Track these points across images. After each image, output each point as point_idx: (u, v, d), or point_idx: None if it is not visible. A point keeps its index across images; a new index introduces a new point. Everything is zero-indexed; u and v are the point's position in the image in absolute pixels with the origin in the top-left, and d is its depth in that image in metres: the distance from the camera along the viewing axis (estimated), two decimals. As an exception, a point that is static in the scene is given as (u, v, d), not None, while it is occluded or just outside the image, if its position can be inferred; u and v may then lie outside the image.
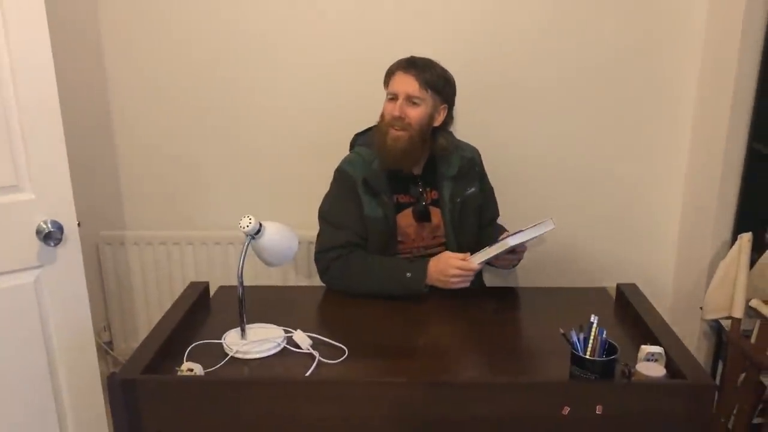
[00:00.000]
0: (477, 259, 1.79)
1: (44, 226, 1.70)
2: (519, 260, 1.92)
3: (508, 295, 1.97)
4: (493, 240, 1.82)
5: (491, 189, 2.10)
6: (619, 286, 1.87)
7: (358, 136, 2.06)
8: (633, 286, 1.86)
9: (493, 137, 2.28)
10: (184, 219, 2.49)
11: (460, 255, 1.81)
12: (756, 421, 2.03)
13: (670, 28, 2.23)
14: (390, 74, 1.91)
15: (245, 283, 1.59)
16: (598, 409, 1.36)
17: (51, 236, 1.70)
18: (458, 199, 1.95)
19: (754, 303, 1.96)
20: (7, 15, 1.58)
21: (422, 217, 1.94)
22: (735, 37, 2.04)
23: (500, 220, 2.14)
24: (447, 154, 1.94)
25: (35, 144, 1.67)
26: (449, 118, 1.95)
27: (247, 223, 1.54)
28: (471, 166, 2.00)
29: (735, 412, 2.03)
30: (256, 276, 2.44)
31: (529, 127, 2.35)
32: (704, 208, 2.24)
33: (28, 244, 1.70)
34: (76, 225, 1.78)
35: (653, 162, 2.37)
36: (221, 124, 2.39)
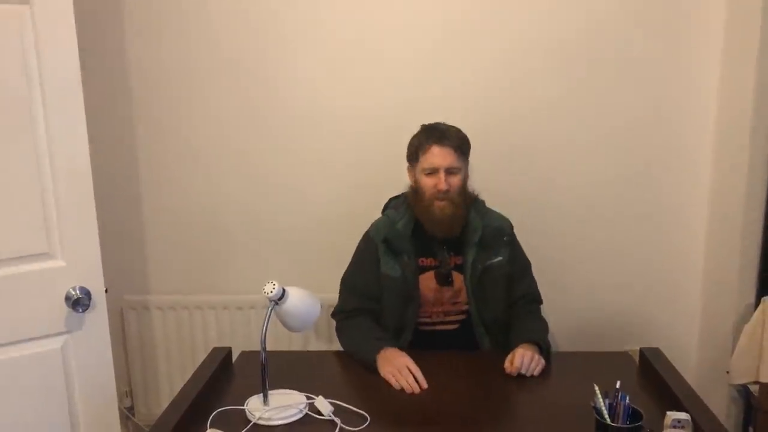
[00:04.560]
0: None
1: (73, 292, 1.74)
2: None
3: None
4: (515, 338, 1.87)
5: (525, 263, 2.06)
6: (642, 351, 1.85)
7: (391, 200, 2.10)
8: (656, 350, 1.84)
9: (509, 200, 2.30)
10: (207, 284, 2.52)
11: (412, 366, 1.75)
12: (790, 491, 1.97)
13: (684, 93, 2.27)
14: (421, 148, 1.92)
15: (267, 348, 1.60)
16: (625, 479, 1.33)
17: (79, 302, 1.74)
18: (480, 266, 1.94)
19: (781, 367, 1.93)
20: (45, 88, 1.66)
21: (444, 280, 1.95)
22: (748, 100, 2.07)
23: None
24: (475, 208, 1.98)
25: (67, 213, 1.73)
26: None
27: (271, 288, 1.56)
28: (498, 234, 1.98)
29: (768, 481, 1.97)
30: (277, 340, 2.44)
31: (547, 192, 2.37)
32: (726, 271, 2.23)
33: (57, 311, 1.74)
34: (104, 291, 1.81)
35: (674, 225, 2.37)
36: (246, 191, 2.45)
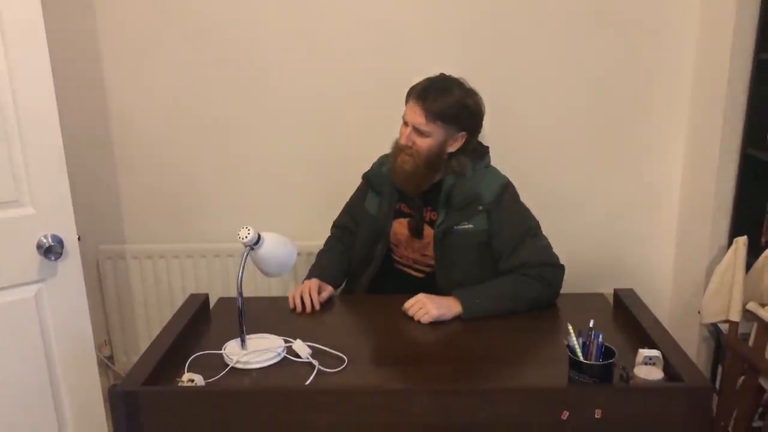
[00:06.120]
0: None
1: (45, 240, 1.71)
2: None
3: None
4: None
5: (521, 231, 1.89)
6: (616, 292, 1.88)
7: None
8: (630, 292, 1.87)
9: (486, 143, 2.30)
10: (184, 232, 2.50)
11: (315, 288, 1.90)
12: (756, 424, 2.03)
13: (662, 38, 2.26)
14: (407, 97, 1.88)
15: (245, 295, 1.60)
16: (597, 414, 1.36)
17: (51, 250, 1.71)
18: (442, 227, 1.90)
19: (750, 306, 1.97)
20: (6, 30, 1.60)
21: (414, 231, 1.97)
22: (726, 42, 2.06)
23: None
24: (459, 175, 1.90)
25: (35, 159, 1.69)
26: (472, 141, 1.92)
27: (246, 233, 1.55)
28: (473, 201, 1.88)
29: (735, 415, 2.03)
30: (257, 288, 2.45)
31: (524, 135, 2.37)
32: (700, 214, 2.25)
33: (28, 259, 1.71)
34: (77, 239, 1.79)
35: (649, 168, 2.39)
36: (221, 137, 2.41)
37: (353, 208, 2.12)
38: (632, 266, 2.47)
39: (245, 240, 1.55)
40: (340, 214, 2.17)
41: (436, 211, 1.94)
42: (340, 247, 2.11)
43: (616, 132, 2.36)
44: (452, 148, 1.89)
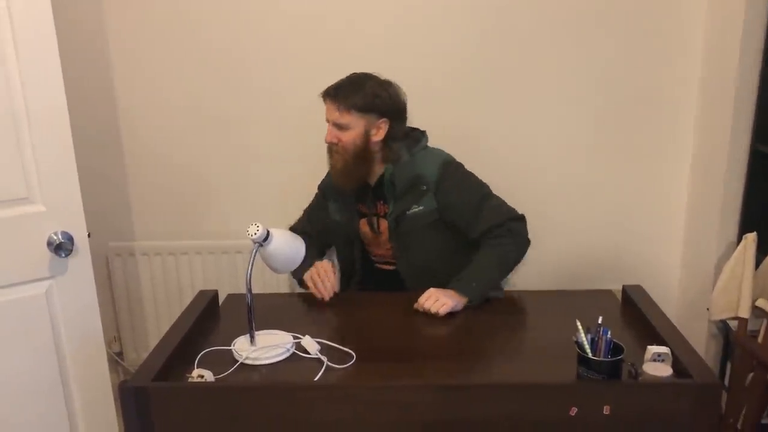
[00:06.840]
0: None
1: (55, 237, 1.72)
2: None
3: (515, 299, 1.98)
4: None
5: (473, 202, 1.93)
6: (624, 288, 1.88)
7: None
8: (639, 288, 1.87)
9: (495, 139, 2.30)
10: (193, 229, 2.51)
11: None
12: (765, 421, 2.03)
13: (671, 31, 2.24)
14: (323, 98, 1.93)
15: (254, 291, 1.61)
16: (606, 410, 1.36)
17: (62, 247, 1.72)
18: (392, 215, 1.94)
19: (760, 303, 1.96)
20: (17, 28, 1.61)
21: (371, 227, 2.01)
22: (736, 37, 2.05)
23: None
24: (396, 161, 1.93)
25: (45, 156, 1.70)
26: (398, 127, 1.95)
27: (255, 230, 1.56)
28: (415, 183, 1.92)
29: (743, 412, 2.02)
30: (265, 285, 2.46)
31: (532, 130, 2.36)
32: (709, 210, 2.24)
33: (39, 256, 1.73)
34: (87, 236, 1.80)
35: (657, 164, 2.38)
36: (229, 134, 2.41)
37: (311, 215, 2.15)
38: (641, 263, 2.46)
39: (254, 236, 1.56)
40: (297, 221, 2.15)
41: (387, 204, 1.98)
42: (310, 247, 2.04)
43: (624, 128, 2.35)
44: (378, 137, 1.92)
